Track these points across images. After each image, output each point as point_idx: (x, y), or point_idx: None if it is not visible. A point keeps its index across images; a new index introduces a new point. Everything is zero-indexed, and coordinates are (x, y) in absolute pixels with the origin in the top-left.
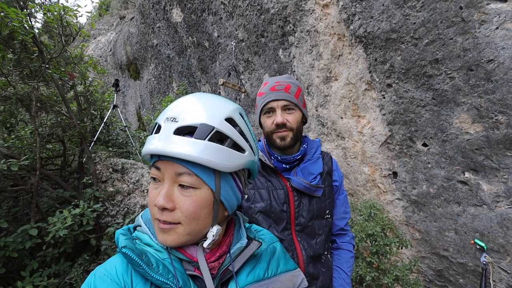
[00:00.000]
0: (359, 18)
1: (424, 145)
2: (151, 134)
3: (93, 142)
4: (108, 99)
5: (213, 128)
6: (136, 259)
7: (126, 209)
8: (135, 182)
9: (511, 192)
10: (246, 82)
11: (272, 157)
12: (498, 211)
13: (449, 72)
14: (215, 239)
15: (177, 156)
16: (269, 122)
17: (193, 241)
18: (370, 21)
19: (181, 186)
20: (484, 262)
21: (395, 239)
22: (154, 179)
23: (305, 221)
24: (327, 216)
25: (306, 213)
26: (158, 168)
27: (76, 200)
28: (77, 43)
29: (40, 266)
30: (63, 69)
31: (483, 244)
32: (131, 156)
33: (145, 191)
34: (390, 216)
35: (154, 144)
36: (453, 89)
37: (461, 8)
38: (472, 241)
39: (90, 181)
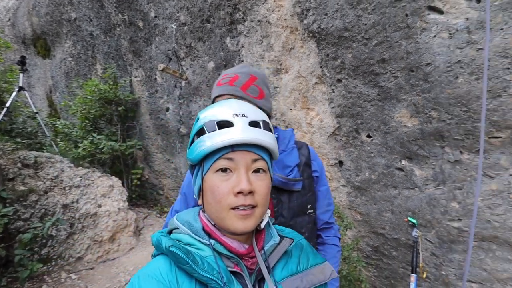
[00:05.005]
0: (313, 14)
1: (368, 136)
2: (215, 130)
3: None
4: (10, 79)
5: (269, 123)
6: (183, 257)
7: (43, 210)
8: (53, 178)
9: (437, 176)
10: (187, 69)
11: None
12: (427, 192)
13: (393, 71)
14: (266, 221)
15: (262, 143)
16: None
17: (258, 224)
18: (324, 18)
19: (256, 171)
20: (416, 236)
21: (342, 223)
22: (223, 170)
23: (286, 220)
24: (309, 211)
25: (287, 211)
26: (230, 159)
27: None
28: None
29: None
30: None
31: (414, 221)
32: (44, 148)
33: (67, 188)
34: (335, 201)
35: (236, 134)
36: (396, 87)
37: (407, 15)
38: (406, 219)
39: None
